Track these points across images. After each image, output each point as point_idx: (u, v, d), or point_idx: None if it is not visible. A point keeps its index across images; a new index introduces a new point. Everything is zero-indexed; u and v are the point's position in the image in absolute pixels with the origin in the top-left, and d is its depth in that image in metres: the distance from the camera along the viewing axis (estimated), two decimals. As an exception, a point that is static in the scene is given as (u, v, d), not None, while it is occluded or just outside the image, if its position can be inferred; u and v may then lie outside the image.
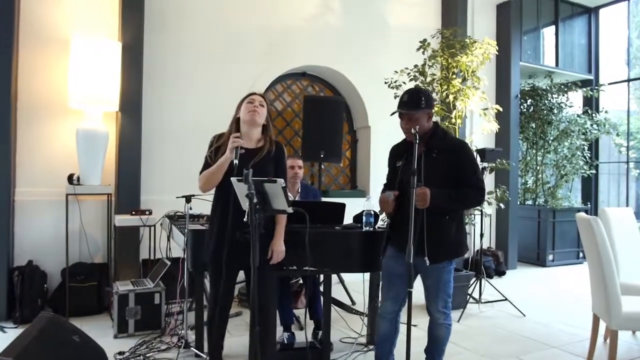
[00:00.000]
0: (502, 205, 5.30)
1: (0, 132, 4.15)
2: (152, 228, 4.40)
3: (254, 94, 2.76)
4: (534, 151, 7.93)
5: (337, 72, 6.05)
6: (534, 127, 7.80)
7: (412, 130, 2.50)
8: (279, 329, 3.56)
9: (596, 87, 7.93)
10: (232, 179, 2.28)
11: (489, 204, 5.15)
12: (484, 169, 5.03)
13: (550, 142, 7.77)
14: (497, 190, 5.12)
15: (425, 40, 4.95)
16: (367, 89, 6.07)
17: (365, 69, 6.05)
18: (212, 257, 2.68)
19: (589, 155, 7.89)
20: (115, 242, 4.58)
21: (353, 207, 3.66)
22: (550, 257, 7.30)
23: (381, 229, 3.24)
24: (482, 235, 5.16)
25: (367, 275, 3.62)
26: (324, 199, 4.80)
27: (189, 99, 5.13)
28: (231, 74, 5.29)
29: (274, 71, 5.71)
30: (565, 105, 7.81)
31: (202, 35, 5.23)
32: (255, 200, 2.14)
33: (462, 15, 6.62)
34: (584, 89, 7.81)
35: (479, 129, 5.40)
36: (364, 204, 3.29)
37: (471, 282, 4.92)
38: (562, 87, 7.84)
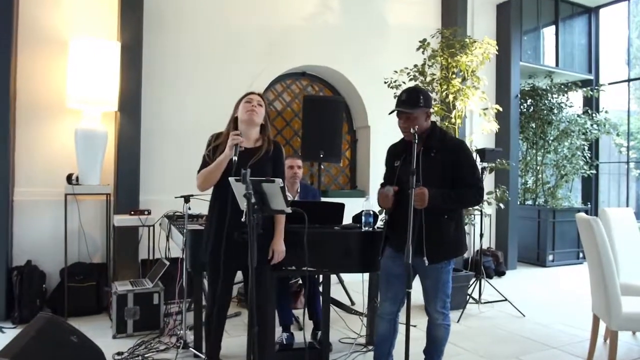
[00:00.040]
0: (501, 206, 5.29)
1: (-1, 132, 4.15)
2: (151, 228, 4.39)
3: (252, 93, 2.75)
4: (534, 151, 7.91)
5: (337, 71, 6.04)
6: (534, 127, 7.79)
7: (412, 130, 2.49)
8: (278, 330, 3.56)
9: (596, 87, 7.92)
10: (230, 178, 2.27)
11: (489, 204, 5.14)
12: (483, 169, 5.01)
13: (550, 142, 7.76)
14: (497, 190, 5.11)
15: (425, 40, 4.94)
16: (367, 88, 6.06)
17: (364, 68, 6.04)
18: (210, 257, 2.67)
19: (589, 155, 7.88)
20: (114, 242, 4.57)
21: (353, 207, 3.65)
22: (550, 257, 7.29)
23: (380, 229, 3.23)
24: (481, 235, 5.15)
25: (367, 275, 3.61)
26: (323, 199, 4.79)
27: (188, 99, 5.12)
28: (230, 74, 5.28)
29: (274, 71, 5.70)
30: (566, 105, 7.80)
31: (201, 35, 5.22)
32: (253, 200, 2.13)
33: (462, 15, 6.61)
34: (584, 89, 7.80)
35: (478, 128, 5.39)
36: (363, 204, 3.29)
37: (471, 283, 4.91)
38: (562, 87, 7.83)
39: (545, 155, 7.82)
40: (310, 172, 6.10)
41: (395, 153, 2.78)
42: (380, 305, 2.76)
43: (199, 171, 2.71)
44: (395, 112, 2.67)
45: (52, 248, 4.42)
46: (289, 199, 3.86)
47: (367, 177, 6.24)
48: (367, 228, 3.21)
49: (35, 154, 4.49)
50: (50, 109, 4.51)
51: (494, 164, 5.04)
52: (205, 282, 3.57)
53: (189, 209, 3.47)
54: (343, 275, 5.04)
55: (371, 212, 3.24)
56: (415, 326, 3.57)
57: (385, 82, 4.87)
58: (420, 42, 4.95)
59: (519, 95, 7.15)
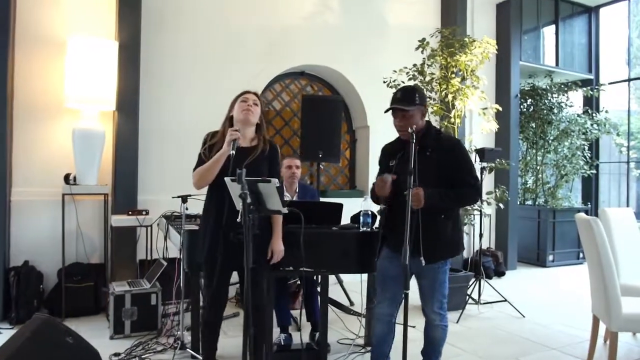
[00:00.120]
0: (501, 206, 5.27)
1: (-3, 131, 4.13)
2: (149, 228, 4.37)
3: (248, 92, 2.73)
4: (534, 151, 7.89)
5: (336, 71, 6.02)
6: (534, 126, 7.76)
7: (409, 130, 2.47)
8: (276, 330, 3.54)
9: (596, 87, 7.90)
10: (225, 178, 2.25)
11: (489, 204, 5.13)
12: (483, 168, 5.00)
13: (550, 141, 7.73)
14: (497, 190, 5.09)
15: (424, 39, 4.92)
16: (366, 88, 6.04)
17: (364, 68, 6.02)
18: (207, 257, 2.65)
19: (589, 155, 7.85)
20: (112, 242, 4.55)
21: (352, 207, 3.63)
22: (550, 257, 7.27)
23: (378, 229, 3.21)
24: (481, 235, 5.13)
25: (365, 275, 3.59)
26: (322, 199, 4.78)
27: (187, 98, 5.10)
28: (229, 74, 5.26)
29: (272, 70, 5.68)
30: (566, 104, 7.77)
31: (200, 35, 5.20)
32: (249, 201, 2.11)
33: (462, 15, 6.59)
34: (584, 89, 7.78)
35: (478, 128, 5.37)
36: (362, 204, 3.26)
37: (470, 283, 4.88)
38: (562, 86, 7.81)
39: (545, 155, 7.80)
40: (309, 172, 6.08)
41: (391, 152, 2.75)
42: (377, 307, 2.74)
43: (194, 169, 2.69)
44: (391, 110, 2.65)
45: (50, 248, 4.40)
46: (287, 198, 3.90)
47: (366, 177, 6.22)
48: (365, 228, 3.19)
49: (32, 153, 4.47)
50: (47, 108, 4.50)
51: (493, 164, 5.02)
52: (203, 282, 3.56)
53: (187, 209, 3.46)
54: (342, 276, 5.03)
55: (369, 212, 3.22)
56: (414, 327, 3.54)
57: (384, 82, 4.85)
58: (419, 41, 4.93)
59: (518, 95, 7.13)
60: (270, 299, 3.08)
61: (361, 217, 3.22)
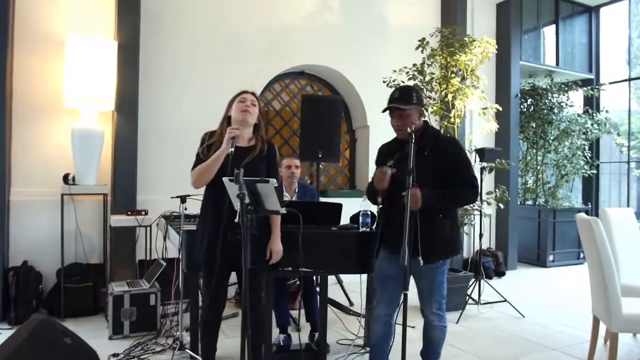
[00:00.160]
0: (501, 206, 5.25)
1: (-5, 131, 4.12)
2: (148, 228, 4.36)
3: (246, 92, 2.72)
4: (534, 151, 7.88)
5: (336, 71, 6.01)
6: (534, 126, 7.75)
7: (409, 130, 2.46)
8: (275, 331, 3.53)
9: (597, 87, 7.89)
10: (224, 178, 2.24)
11: (489, 204, 5.12)
12: (483, 168, 4.99)
13: (550, 141, 7.72)
14: (497, 190, 5.08)
15: (424, 39, 4.91)
16: (366, 88, 6.03)
17: (364, 68, 6.01)
18: (205, 257, 2.64)
19: (589, 155, 7.84)
20: (111, 242, 4.54)
21: (352, 207, 3.61)
22: (551, 257, 7.26)
23: (376, 230, 3.20)
24: (481, 235, 5.12)
25: (365, 276, 3.58)
26: (322, 199, 4.78)
27: (186, 98, 5.09)
28: (228, 74, 5.25)
29: (272, 70, 5.67)
30: (566, 104, 7.76)
31: (200, 35, 5.19)
32: (247, 201, 2.10)
33: (462, 14, 6.58)
34: (585, 89, 7.77)
35: (478, 128, 5.35)
36: (361, 204, 3.25)
37: (470, 283, 4.87)
38: (563, 86, 7.79)
39: (545, 155, 7.78)
40: (309, 172, 6.08)
41: (388, 152, 2.74)
42: (376, 307, 2.73)
43: (192, 169, 2.68)
44: (388, 111, 2.64)
45: (49, 248, 4.39)
46: (286, 198, 3.89)
47: (366, 177, 6.20)
48: (364, 228, 3.18)
49: (31, 153, 4.46)
50: (46, 108, 4.49)
51: (493, 164, 5.01)
52: (201, 282, 3.54)
53: (185, 209, 3.45)
54: (342, 276, 5.02)
55: (368, 213, 3.21)
56: (414, 327, 3.53)
57: (384, 82, 4.84)
58: (419, 41, 4.91)
59: (519, 95, 7.12)
60: (269, 299, 3.07)
61: (360, 217, 3.21)
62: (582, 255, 7.33)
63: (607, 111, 7.91)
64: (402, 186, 2.39)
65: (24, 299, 4.10)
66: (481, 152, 4.94)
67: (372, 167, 6.09)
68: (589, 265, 3.29)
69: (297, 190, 4.03)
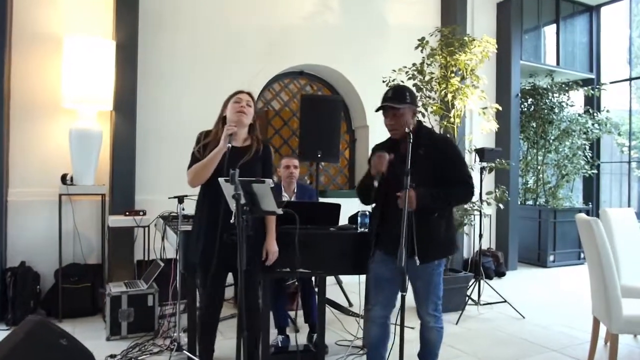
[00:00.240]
0: (501, 206, 5.23)
1: (-7, 131, 4.11)
2: (146, 229, 4.34)
3: (241, 92, 2.70)
4: (535, 151, 7.86)
5: (335, 70, 5.99)
6: (535, 126, 7.73)
7: (407, 130, 2.44)
8: (274, 332, 3.51)
9: (597, 86, 7.86)
10: (220, 179, 2.22)
11: (488, 204, 5.09)
12: (483, 168, 4.97)
13: (551, 141, 7.70)
14: (497, 191, 5.05)
15: (423, 38, 4.89)
16: (366, 88, 6.00)
17: (363, 67, 5.99)
18: (201, 258, 2.62)
19: (590, 155, 7.82)
20: (109, 242, 4.53)
21: (351, 207, 3.59)
22: (551, 257, 7.24)
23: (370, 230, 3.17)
24: (481, 235, 5.09)
25: (364, 276, 3.55)
26: (321, 199, 4.76)
27: (185, 98, 5.07)
28: (228, 74, 5.23)
29: (271, 70, 5.65)
30: (567, 104, 7.75)
31: (199, 35, 5.17)
32: (243, 201, 2.08)
33: (462, 14, 6.56)
34: (585, 88, 7.75)
35: (478, 128, 5.33)
36: (360, 205, 3.22)
37: (470, 284, 4.85)
38: (563, 86, 7.77)
39: (546, 155, 7.76)
40: (308, 172, 6.06)
41: None
42: (371, 310, 2.71)
43: (188, 168, 2.67)
44: (382, 112, 2.63)
45: (47, 249, 4.38)
46: (285, 198, 3.87)
47: (365, 177, 6.18)
48: (362, 229, 3.15)
49: (29, 153, 4.45)
50: (44, 108, 4.47)
51: (493, 164, 4.99)
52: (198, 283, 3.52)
53: (183, 209, 3.43)
54: (341, 276, 4.99)
55: (367, 213, 3.18)
56: (413, 328, 3.50)
57: (383, 82, 4.81)
58: (419, 40, 4.89)
59: (519, 95, 7.10)
60: (267, 300, 3.05)
61: (359, 218, 3.18)
62: (582, 256, 7.30)
63: (607, 111, 7.89)
64: (397, 186, 2.37)
65: (21, 299, 4.09)
66: (481, 152, 4.92)
67: (371, 167, 6.10)
68: (589, 266, 3.27)
69: (295, 191, 4.01)
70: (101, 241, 4.62)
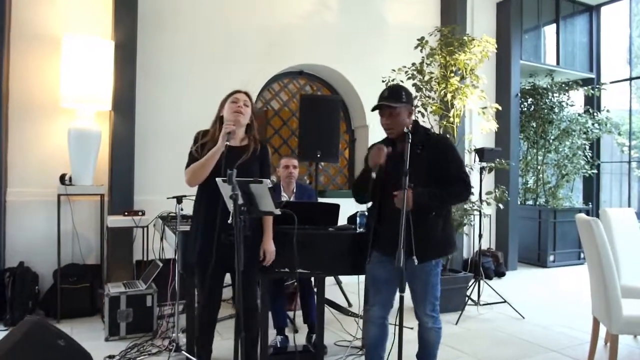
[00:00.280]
0: (501, 206, 5.22)
1: (-9, 131, 4.11)
2: (145, 229, 4.33)
3: (238, 91, 2.69)
4: (535, 151, 7.85)
5: (335, 70, 5.98)
6: (535, 126, 7.72)
7: (405, 130, 2.43)
8: (273, 332, 3.50)
9: (597, 86, 7.85)
10: (217, 179, 2.21)
11: (488, 204, 5.08)
12: (482, 168, 4.96)
13: (551, 141, 7.69)
14: (496, 191, 5.04)
15: (422, 38, 4.88)
16: (365, 87, 5.99)
17: (363, 67, 5.98)
18: (199, 258, 2.62)
19: (590, 154, 7.80)
20: (108, 243, 4.52)
21: (351, 207, 3.57)
22: (551, 257, 7.23)
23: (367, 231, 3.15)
24: (480, 235, 5.08)
25: (363, 277, 3.54)
26: (320, 199, 4.75)
27: (184, 98, 5.06)
28: (227, 74, 5.22)
29: (270, 70, 5.64)
30: (567, 104, 7.73)
31: (198, 35, 5.16)
32: (241, 202, 2.07)
33: (462, 14, 6.55)
34: (585, 88, 7.74)
35: (478, 128, 5.32)
36: (359, 205, 3.22)
37: (470, 284, 4.84)
38: (563, 85, 7.76)
39: (546, 155, 7.75)
40: (308, 172, 6.04)
41: None
42: (370, 310, 2.70)
43: (186, 167, 2.66)
44: (379, 112, 2.62)
45: (45, 249, 4.37)
46: (284, 198, 3.86)
47: (365, 177, 6.17)
48: (361, 229, 3.14)
49: (28, 153, 4.44)
50: (43, 108, 4.46)
51: (493, 164, 4.98)
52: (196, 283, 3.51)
53: (182, 209, 3.42)
54: (341, 276, 4.98)
55: (366, 213, 3.17)
56: (412, 328, 3.49)
57: (383, 81, 4.80)
58: (418, 40, 4.88)
59: (519, 94, 7.08)
60: (266, 300, 3.05)
61: (358, 218, 3.17)
62: (582, 256, 7.29)
63: (608, 111, 7.87)
64: (394, 185, 2.37)
65: (20, 300, 4.07)
66: (480, 152, 4.91)
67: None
68: (589, 266, 3.26)
69: (295, 191, 4.00)
70: (100, 241, 4.61)
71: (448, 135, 4.84)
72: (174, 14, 5.06)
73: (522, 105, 7.55)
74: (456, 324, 4.31)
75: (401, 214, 2.23)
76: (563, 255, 7.30)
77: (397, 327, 2.27)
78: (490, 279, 6.11)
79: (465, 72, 4.81)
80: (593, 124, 7.62)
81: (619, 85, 8.17)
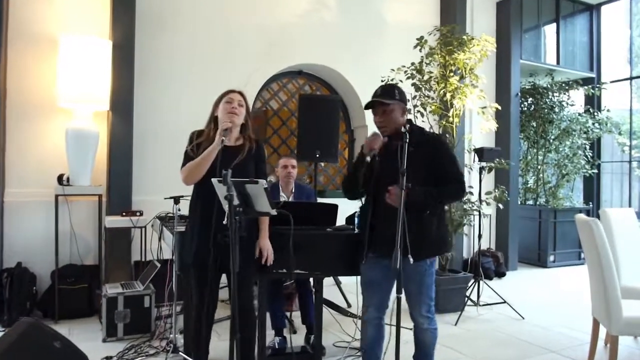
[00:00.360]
0: (500, 206, 5.20)
1: (-11, 131, 4.09)
2: (143, 229, 4.32)
3: (232, 91, 2.68)
4: (535, 150, 7.83)
5: (334, 70, 5.96)
6: (535, 126, 7.70)
7: (402, 129, 2.42)
8: (271, 333, 3.49)
9: (598, 86, 7.83)
10: (212, 180, 2.19)
11: (488, 204, 5.06)
12: (482, 168, 4.94)
13: (551, 141, 7.67)
14: (496, 190, 5.02)
15: (422, 37, 4.86)
16: (365, 87, 5.95)
17: (362, 67, 5.95)
18: (194, 258, 2.60)
19: (590, 154, 7.78)
20: (106, 243, 4.50)
21: (350, 207, 3.55)
22: (552, 257, 7.20)
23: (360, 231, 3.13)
24: (480, 236, 5.06)
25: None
26: (320, 199, 4.73)
27: (182, 98, 5.04)
28: (226, 74, 5.19)
29: (269, 70, 5.62)
30: (567, 103, 7.71)
31: (196, 35, 5.15)
32: (237, 202, 2.05)
33: (462, 13, 6.52)
34: (586, 87, 7.72)
35: (477, 128, 5.30)
36: (358, 205, 3.20)
37: (469, 284, 4.82)
38: (564, 85, 7.73)
39: (546, 155, 7.73)
40: (307, 172, 6.03)
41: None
42: (366, 311, 2.69)
43: (182, 167, 2.64)
44: (372, 110, 2.61)
45: (43, 249, 4.34)
46: (283, 198, 3.85)
47: (364, 177, 6.14)
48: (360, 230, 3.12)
49: (26, 153, 4.43)
50: (41, 107, 4.45)
51: (492, 164, 4.96)
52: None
53: (179, 210, 3.40)
54: (340, 277, 4.96)
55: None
56: (410, 329, 3.48)
57: (382, 81, 4.78)
58: (417, 39, 4.86)
59: (519, 94, 7.06)
60: (263, 301, 3.03)
61: (356, 219, 3.14)
62: (583, 256, 7.24)
63: (608, 110, 7.85)
64: (388, 184, 2.36)
65: (17, 300, 4.06)
66: (480, 152, 4.89)
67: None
68: (589, 266, 3.24)
69: (293, 191, 3.98)
70: (98, 242, 4.59)
71: (447, 135, 4.83)
72: (173, 13, 5.05)
73: (522, 105, 7.53)
74: (455, 324, 4.29)
75: (398, 214, 2.21)
76: (563, 256, 7.28)
77: (392, 327, 2.25)
78: (490, 279, 6.09)
79: (465, 71, 4.80)
80: (593, 124, 7.59)
81: (619, 84, 8.14)
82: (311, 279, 3.65)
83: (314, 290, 3.30)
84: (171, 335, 3.51)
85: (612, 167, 8.54)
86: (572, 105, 7.77)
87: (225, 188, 2.03)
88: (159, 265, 3.92)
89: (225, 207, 2.11)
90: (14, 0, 4.35)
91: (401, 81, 4.60)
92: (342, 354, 3.48)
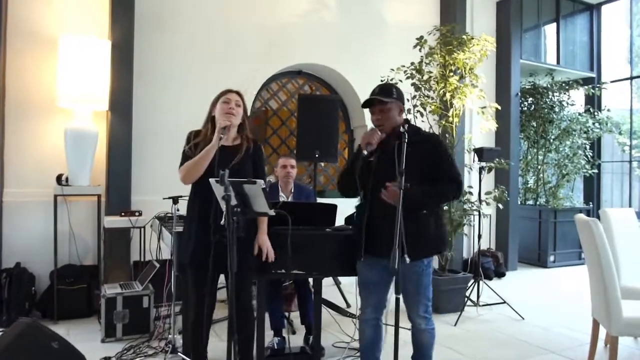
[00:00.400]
0: (500, 206, 5.19)
1: (-12, 131, 4.09)
2: (142, 229, 4.31)
3: (230, 91, 2.67)
4: (535, 150, 7.82)
5: (334, 70, 5.95)
6: (535, 125, 7.69)
7: (401, 129, 2.41)
8: (270, 333, 3.48)
9: (598, 85, 7.82)
10: (210, 180, 2.19)
11: (487, 204, 5.05)
12: (482, 168, 4.93)
13: (551, 141, 7.66)
14: (496, 190, 5.01)
15: (421, 37, 4.85)
16: (365, 87, 5.90)
17: (362, 67, 5.95)
18: (191, 258, 2.59)
19: (591, 154, 7.77)
20: (105, 243, 4.49)
21: (349, 207, 3.54)
22: (552, 258, 7.19)
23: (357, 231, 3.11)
24: (480, 236, 5.05)
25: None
26: (319, 200, 4.72)
27: (181, 99, 5.03)
28: (225, 74, 5.17)
29: (269, 70, 5.62)
30: (567, 103, 7.70)
31: (196, 35, 5.14)
32: (235, 202, 2.04)
33: (462, 13, 6.51)
34: (586, 87, 7.71)
35: (477, 127, 5.29)
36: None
37: (469, 285, 4.81)
38: (564, 85, 7.72)
39: (546, 155, 7.72)
40: (307, 172, 6.02)
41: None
42: (363, 312, 2.68)
43: (180, 166, 2.63)
44: (369, 108, 2.61)
45: (42, 250, 4.33)
46: (282, 198, 3.84)
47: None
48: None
49: (25, 153, 4.42)
50: (40, 107, 4.44)
51: (492, 164, 4.95)
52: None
53: (178, 210, 3.39)
54: (340, 277, 4.95)
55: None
56: (409, 330, 3.47)
57: (382, 81, 4.77)
58: (417, 39, 4.85)
59: (519, 94, 7.05)
60: (262, 301, 3.02)
61: (356, 219, 3.14)
62: (583, 256, 7.22)
63: (608, 110, 7.84)
64: (384, 183, 2.35)
65: (16, 301, 4.05)
66: (479, 152, 4.88)
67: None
68: (589, 267, 3.23)
69: (293, 191, 3.97)
70: (97, 242, 4.58)
71: (447, 135, 4.82)
72: (172, 14, 5.04)
73: (522, 105, 7.52)
74: (455, 325, 4.28)
75: (397, 214, 2.20)
76: (563, 256, 7.27)
77: (388, 327, 2.24)
78: (490, 279, 6.08)
79: (465, 71, 4.79)
80: (594, 124, 7.58)
81: (619, 84, 8.13)
82: (310, 279, 3.65)
83: (313, 290, 3.29)
84: (170, 336, 3.50)
85: (613, 167, 8.53)
86: (572, 105, 7.76)
87: (222, 188, 2.02)
88: (157, 265, 3.91)
89: (223, 207, 2.10)
90: (13, 0, 4.35)
91: (401, 81, 4.58)
92: (341, 354, 3.48)
